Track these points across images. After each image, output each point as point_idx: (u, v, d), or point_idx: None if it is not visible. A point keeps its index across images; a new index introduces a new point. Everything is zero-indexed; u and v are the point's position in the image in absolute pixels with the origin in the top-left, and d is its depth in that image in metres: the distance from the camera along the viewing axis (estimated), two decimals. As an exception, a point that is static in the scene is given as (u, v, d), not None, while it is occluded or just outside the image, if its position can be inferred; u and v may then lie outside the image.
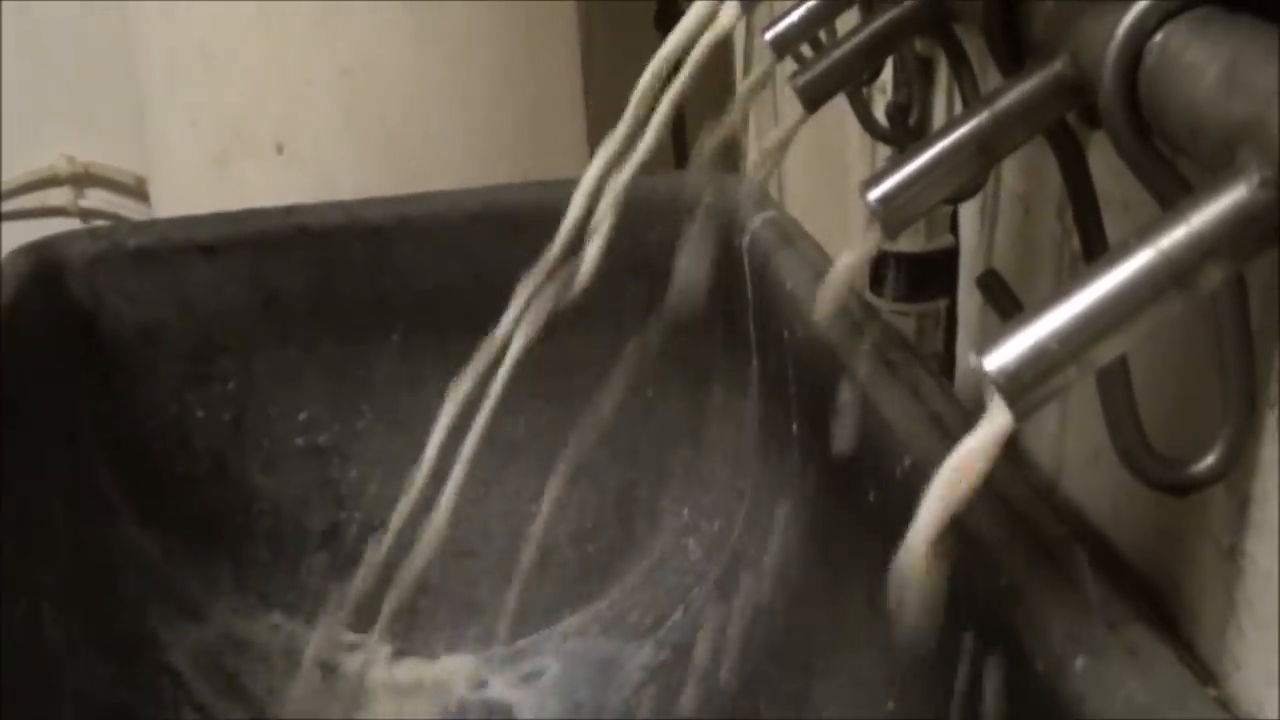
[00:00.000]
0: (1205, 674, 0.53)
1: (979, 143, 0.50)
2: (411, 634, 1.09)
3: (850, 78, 0.68)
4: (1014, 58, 0.53)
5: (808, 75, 0.66)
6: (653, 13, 1.62)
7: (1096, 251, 0.52)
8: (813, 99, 0.66)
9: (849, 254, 0.54)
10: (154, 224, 1.17)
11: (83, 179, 1.91)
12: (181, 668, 1.00)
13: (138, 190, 1.86)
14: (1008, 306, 0.53)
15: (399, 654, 1.08)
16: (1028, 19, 0.52)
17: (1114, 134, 0.43)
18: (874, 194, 0.50)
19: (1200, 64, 0.40)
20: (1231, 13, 0.42)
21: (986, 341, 0.39)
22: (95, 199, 1.93)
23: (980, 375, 0.39)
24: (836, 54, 0.65)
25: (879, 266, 0.90)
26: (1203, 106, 0.40)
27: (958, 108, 0.82)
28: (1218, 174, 0.39)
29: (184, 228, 1.07)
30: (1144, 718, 0.49)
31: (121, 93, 1.49)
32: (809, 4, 0.71)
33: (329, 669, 1.05)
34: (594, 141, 1.42)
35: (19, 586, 0.87)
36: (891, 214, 0.50)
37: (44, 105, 1.83)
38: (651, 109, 0.75)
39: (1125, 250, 0.39)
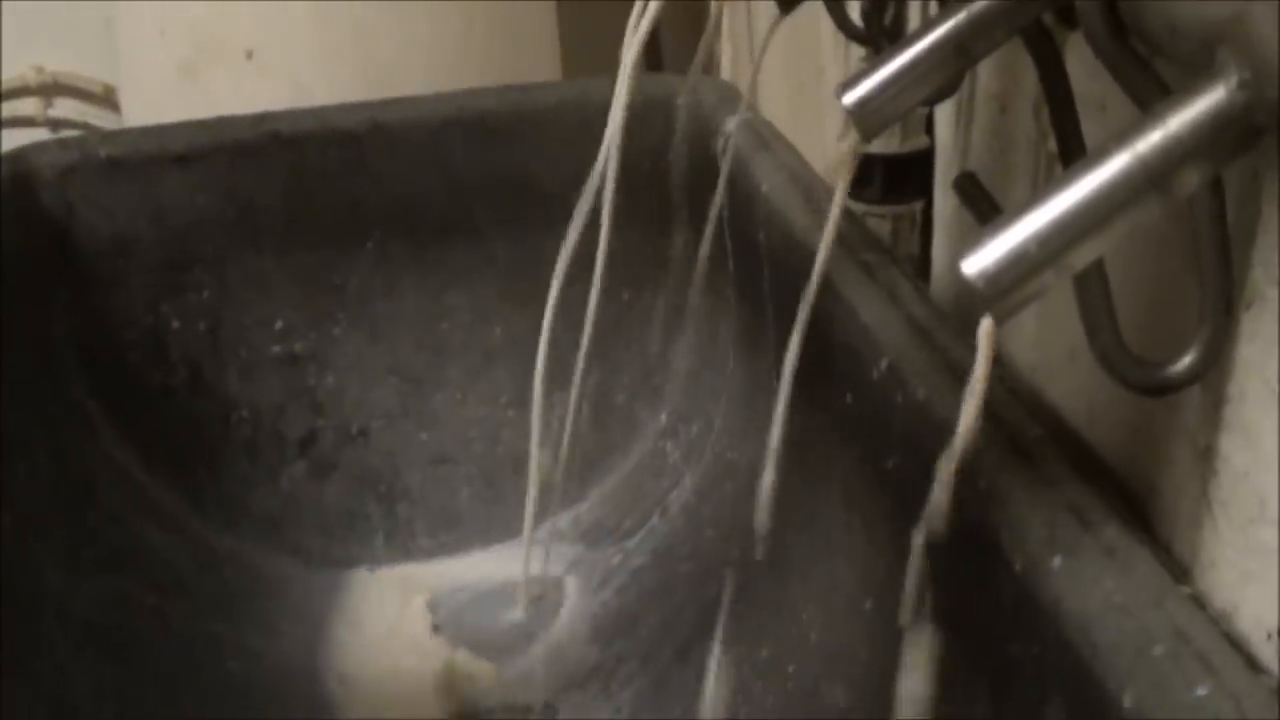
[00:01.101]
0: (1181, 572, 0.54)
1: (955, 44, 0.49)
2: (392, 540, 1.10)
3: (824, -23, 0.67)
4: (991, -43, 0.53)
5: (781, -24, 0.65)
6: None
7: (1073, 152, 0.52)
8: (787, 0, 0.65)
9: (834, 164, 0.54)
10: (125, 133, 1.16)
11: (51, 88, 1.89)
12: (164, 580, 1.00)
13: (107, 99, 1.84)
14: (984, 209, 0.53)
15: (380, 561, 1.09)
16: (1005, -82, 0.52)
17: (1091, 35, 0.43)
18: (850, 97, 0.50)
19: (1178, -37, 0.40)
20: (1209, -89, 0.41)
21: (965, 246, 0.39)
22: (64, 108, 1.91)
23: (959, 279, 0.39)
24: (811, -45, 0.65)
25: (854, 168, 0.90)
26: (1181, 6, 0.40)
27: (933, 7, 0.81)
28: (1195, 76, 0.38)
29: (156, 137, 1.06)
30: (1120, 617, 0.49)
31: (89, 2, 1.47)
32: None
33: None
34: (565, 44, 1.41)
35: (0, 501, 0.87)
36: (868, 117, 0.50)
37: (11, 15, 1.81)
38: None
39: (1103, 154, 0.39)
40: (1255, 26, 0.36)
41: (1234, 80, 0.37)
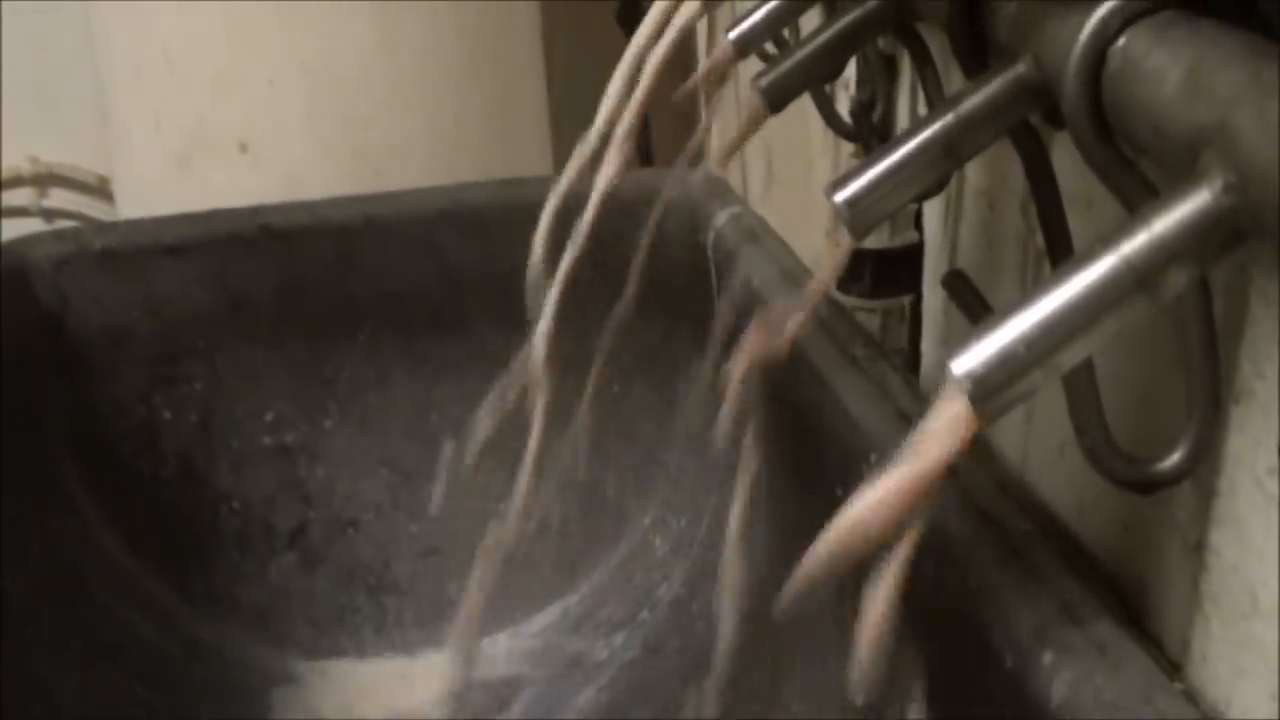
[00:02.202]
0: (1172, 668, 0.54)
1: (944, 145, 0.50)
2: (381, 634, 1.09)
3: (814, 78, 0.68)
4: (978, 59, 0.53)
5: (771, 76, 0.66)
6: (615, 10, 1.62)
7: (1060, 249, 0.53)
8: (776, 100, 0.66)
9: (823, 268, 0.54)
10: (120, 225, 1.17)
11: (46, 179, 1.91)
12: (152, 671, 1.00)
13: (101, 190, 1.85)
14: (973, 306, 0.53)
15: (369, 654, 1.08)
16: (992, 21, 0.53)
17: (1078, 139, 0.44)
18: (841, 196, 0.51)
19: (1163, 69, 0.41)
20: (1192, 17, 0.42)
21: (955, 346, 0.40)
22: (58, 199, 1.92)
23: (948, 378, 0.40)
24: (800, 54, 0.66)
25: (846, 264, 0.91)
26: (1166, 111, 0.40)
27: (921, 104, 0.82)
28: (1181, 179, 0.39)
29: (150, 229, 1.07)
30: (1112, 713, 0.49)
31: (84, 93, 1.48)
32: (772, 3, 0.72)
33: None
34: (557, 138, 1.42)
35: (-14, 589, 0.87)
36: (858, 216, 0.51)
37: (7, 106, 1.82)
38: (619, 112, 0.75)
39: (1089, 256, 0.39)
40: (1239, 132, 0.37)
41: (1219, 184, 0.38)
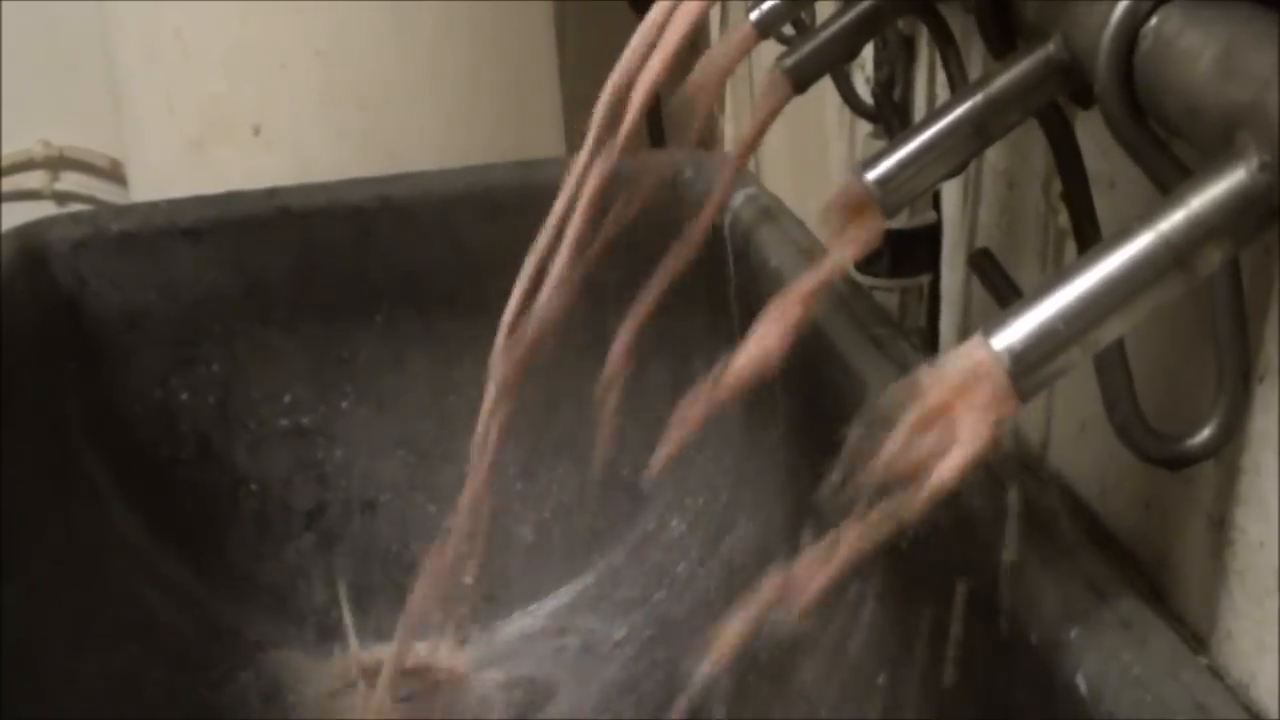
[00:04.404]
0: (1196, 643, 0.54)
1: (974, 125, 0.51)
2: (398, 612, 1.10)
3: (837, 59, 0.68)
4: (1005, 40, 0.54)
5: (795, 58, 0.66)
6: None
7: (1087, 230, 0.53)
8: (800, 81, 0.66)
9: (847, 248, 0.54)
10: (137, 208, 1.17)
11: (58, 162, 1.91)
12: (171, 652, 1.00)
13: (113, 173, 1.85)
14: (1000, 286, 0.54)
15: (387, 634, 1.08)
16: (1019, 1, 0.53)
17: (1111, 120, 0.44)
18: (872, 175, 0.51)
19: (1195, 49, 0.41)
20: (1222, -3, 0.43)
21: (993, 322, 0.40)
22: (70, 182, 1.92)
23: (988, 354, 0.40)
24: (823, 36, 0.66)
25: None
26: (1199, 91, 0.41)
27: (939, 83, 0.82)
28: (1217, 158, 0.39)
29: (166, 212, 1.07)
30: (1139, 689, 0.49)
31: (95, 76, 1.48)
32: (792, -14, 0.72)
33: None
34: (569, 120, 1.42)
35: (10, 572, 0.87)
36: (889, 195, 0.51)
37: (19, 89, 1.82)
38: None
39: (1127, 234, 0.40)
40: (1275, 111, 0.37)
41: (1255, 162, 0.38)
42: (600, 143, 0.76)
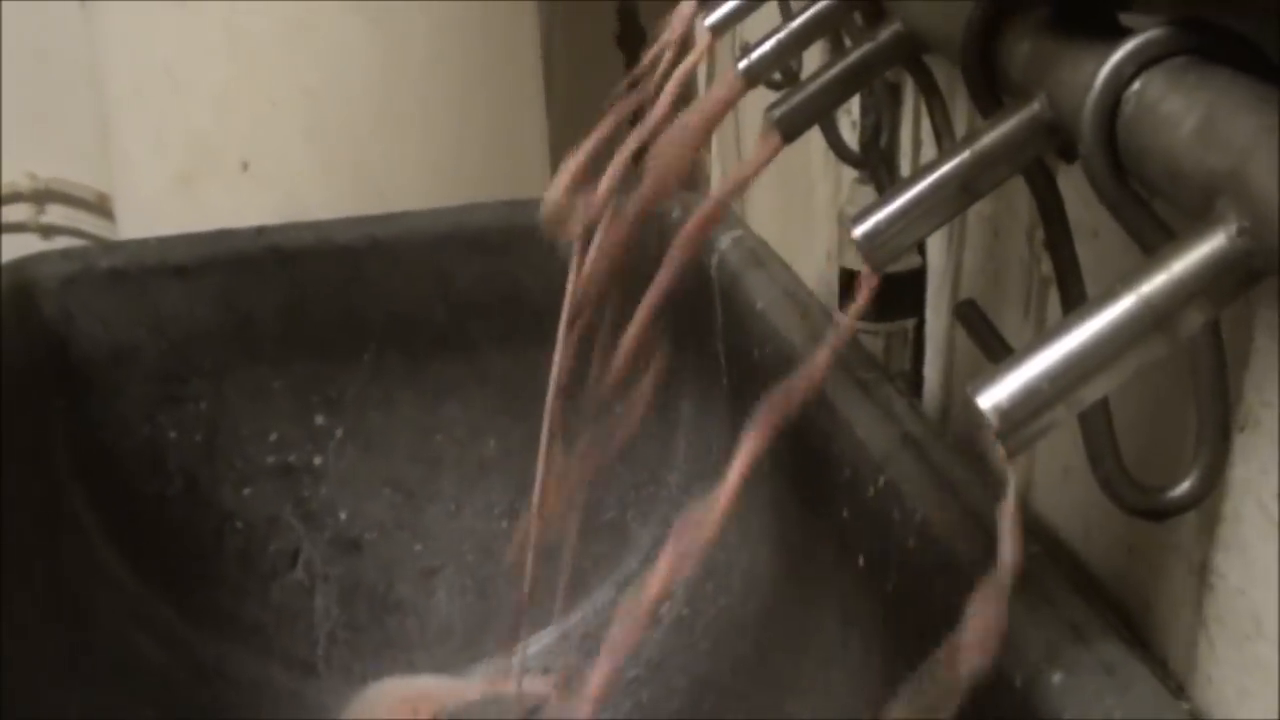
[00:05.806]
0: (1178, 689, 0.55)
1: (961, 181, 0.52)
2: (384, 652, 1.10)
3: (825, 109, 0.69)
4: (992, 97, 0.55)
5: (784, 109, 0.67)
6: (614, 32, 1.64)
7: (1070, 281, 0.54)
8: (790, 132, 0.67)
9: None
10: (126, 244, 1.18)
11: (44, 195, 1.91)
12: (157, 692, 1.00)
13: (100, 207, 1.86)
14: (986, 336, 0.55)
15: (372, 674, 1.09)
16: (1005, 59, 0.54)
17: (1094, 179, 0.45)
18: (860, 230, 0.52)
19: (1177, 114, 0.42)
20: (1204, 64, 0.44)
21: (980, 380, 0.41)
22: (56, 215, 1.92)
23: (973, 412, 0.41)
24: (813, 87, 0.67)
25: (847, 287, 0.92)
26: (1181, 157, 0.42)
27: (924, 130, 0.83)
28: (1197, 223, 0.40)
29: (156, 249, 1.08)
30: (1121, 733, 0.50)
31: (83, 109, 1.49)
32: (780, 35, 0.73)
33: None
34: (556, 160, 1.43)
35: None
36: (876, 250, 0.52)
37: (5, 121, 1.82)
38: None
39: (1109, 296, 0.41)
40: (1253, 180, 0.38)
41: (1234, 228, 0.39)
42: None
